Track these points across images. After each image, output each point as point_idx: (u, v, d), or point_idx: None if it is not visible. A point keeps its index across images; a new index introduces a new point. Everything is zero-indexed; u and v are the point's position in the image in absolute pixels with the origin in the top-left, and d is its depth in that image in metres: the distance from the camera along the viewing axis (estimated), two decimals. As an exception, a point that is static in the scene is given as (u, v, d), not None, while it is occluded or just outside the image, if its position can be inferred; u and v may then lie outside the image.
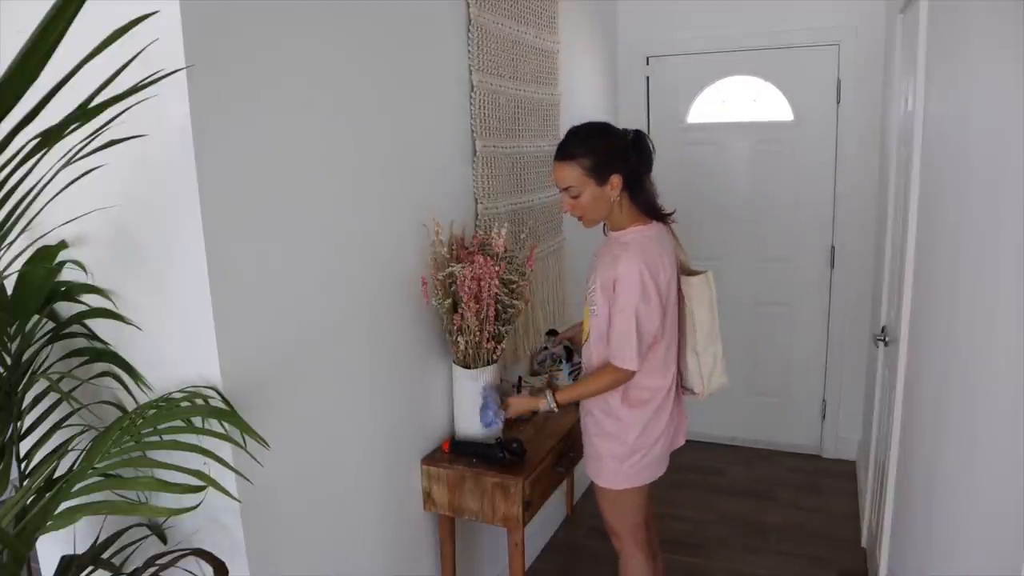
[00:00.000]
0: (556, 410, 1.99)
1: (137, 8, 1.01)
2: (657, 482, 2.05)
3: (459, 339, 2.05)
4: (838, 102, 3.44)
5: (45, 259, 1.42)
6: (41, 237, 1.44)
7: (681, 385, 2.08)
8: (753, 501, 3.33)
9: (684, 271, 2.00)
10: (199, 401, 1.32)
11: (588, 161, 1.86)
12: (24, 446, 1.41)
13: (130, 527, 1.49)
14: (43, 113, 0.90)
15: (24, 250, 1.41)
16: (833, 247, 3.58)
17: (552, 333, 2.51)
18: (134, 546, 1.50)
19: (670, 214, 2.00)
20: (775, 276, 3.70)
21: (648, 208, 1.94)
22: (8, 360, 1.35)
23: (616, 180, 1.87)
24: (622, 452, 1.97)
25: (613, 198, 1.89)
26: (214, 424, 1.31)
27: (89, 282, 1.47)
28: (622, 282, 1.83)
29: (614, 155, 1.88)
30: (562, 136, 1.97)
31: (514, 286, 2.13)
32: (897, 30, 2.56)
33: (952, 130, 1.48)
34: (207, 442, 1.27)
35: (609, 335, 1.89)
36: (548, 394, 1.98)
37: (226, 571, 1.29)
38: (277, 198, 1.52)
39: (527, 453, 2.10)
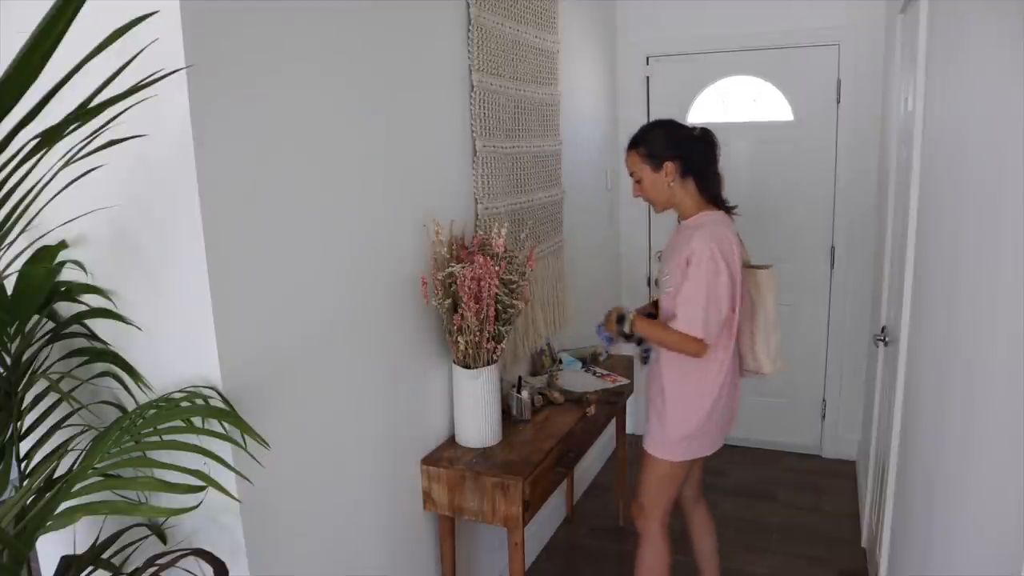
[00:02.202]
0: (629, 331, 2.08)
1: (137, 8, 1.01)
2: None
3: (459, 339, 2.05)
4: (838, 102, 3.44)
5: (45, 259, 1.42)
6: (41, 237, 1.44)
7: (745, 369, 2.21)
8: (753, 501, 3.33)
9: (746, 265, 2.14)
10: (199, 401, 1.32)
11: (645, 149, 2.06)
12: (24, 446, 1.41)
13: (130, 527, 1.49)
14: (43, 113, 0.90)
15: (24, 250, 1.41)
16: (833, 247, 3.58)
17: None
18: (134, 546, 1.50)
19: (733, 207, 2.15)
20: (775, 276, 3.70)
21: (714, 198, 2.10)
22: (8, 360, 1.35)
23: (670, 167, 2.03)
24: (668, 424, 2.09)
25: (668, 183, 2.05)
26: (214, 424, 1.31)
27: (89, 282, 1.47)
28: (695, 256, 1.96)
29: (669, 145, 2.05)
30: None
31: (514, 286, 2.13)
32: (897, 30, 2.56)
33: (952, 130, 1.48)
34: (207, 442, 1.26)
35: (676, 305, 1.99)
36: (632, 314, 2.09)
37: (226, 571, 1.29)
38: (277, 198, 1.52)
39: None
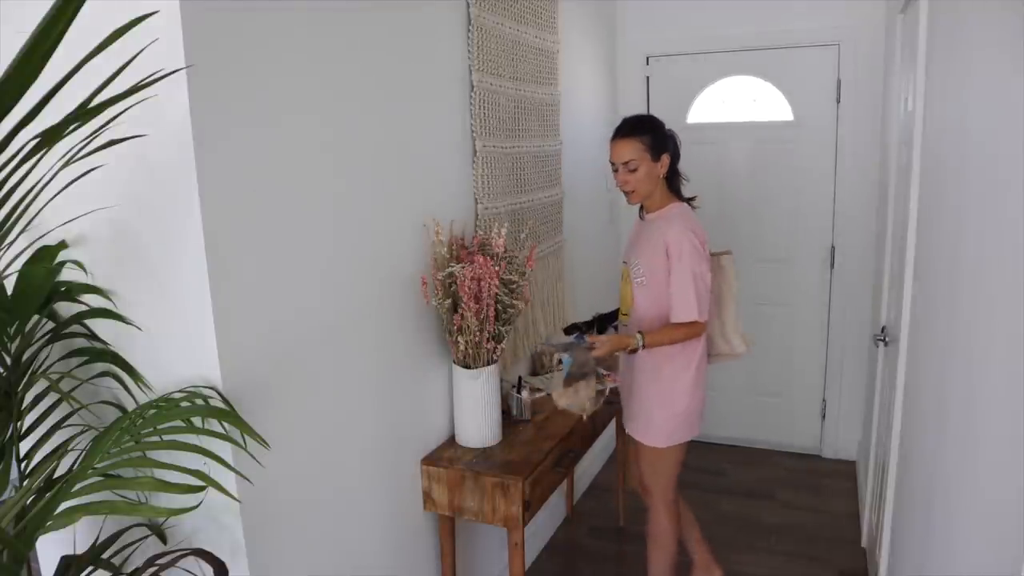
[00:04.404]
0: (643, 348, 2.11)
1: (137, 8, 1.01)
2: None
3: (459, 339, 2.05)
4: (838, 102, 3.43)
5: (45, 259, 1.42)
6: (41, 237, 1.44)
7: (716, 354, 2.33)
8: (753, 501, 3.33)
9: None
10: (199, 401, 1.32)
11: (648, 139, 2.14)
12: (24, 446, 1.41)
13: (130, 527, 1.49)
14: (43, 113, 0.90)
15: (24, 250, 1.41)
16: (833, 247, 3.58)
17: (574, 328, 2.57)
18: (134, 546, 1.50)
19: (692, 199, 2.27)
20: (775, 276, 3.70)
21: (679, 192, 2.25)
22: (8, 360, 1.35)
23: (666, 159, 2.16)
24: (668, 413, 2.19)
25: (661, 175, 2.16)
26: (214, 424, 1.31)
27: (89, 282, 1.47)
28: (674, 247, 2.08)
29: (665, 138, 2.18)
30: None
31: (514, 286, 2.13)
32: (897, 30, 2.56)
33: (952, 130, 1.48)
34: (207, 442, 1.27)
35: (669, 296, 2.10)
36: (639, 335, 2.10)
37: (226, 571, 1.29)
38: (277, 198, 1.52)
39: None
